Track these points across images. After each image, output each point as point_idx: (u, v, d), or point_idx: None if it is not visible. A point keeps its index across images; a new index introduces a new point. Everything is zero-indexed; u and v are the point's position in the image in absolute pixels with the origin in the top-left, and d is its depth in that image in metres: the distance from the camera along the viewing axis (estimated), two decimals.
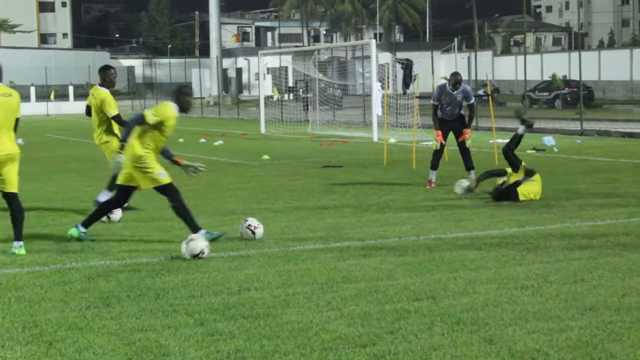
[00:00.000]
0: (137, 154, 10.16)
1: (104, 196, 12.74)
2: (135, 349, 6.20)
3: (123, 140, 10.20)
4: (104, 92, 12.90)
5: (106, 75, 13.04)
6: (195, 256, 9.20)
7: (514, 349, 6.05)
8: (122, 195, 10.58)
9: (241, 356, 6.01)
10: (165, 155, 10.55)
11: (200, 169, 10.82)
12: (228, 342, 6.33)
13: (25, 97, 66.77)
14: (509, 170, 13.91)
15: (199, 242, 9.27)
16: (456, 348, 6.10)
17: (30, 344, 6.37)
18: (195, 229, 10.16)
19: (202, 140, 30.69)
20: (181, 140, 30.18)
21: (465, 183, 14.50)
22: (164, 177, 10.26)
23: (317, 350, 6.09)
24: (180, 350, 6.15)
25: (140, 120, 10.13)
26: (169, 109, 10.23)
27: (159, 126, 10.16)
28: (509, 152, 13.96)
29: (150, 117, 10.09)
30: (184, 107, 10.34)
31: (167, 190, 10.32)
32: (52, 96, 63.81)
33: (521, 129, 14.25)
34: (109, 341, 6.39)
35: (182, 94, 10.40)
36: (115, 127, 12.92)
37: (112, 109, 12.80)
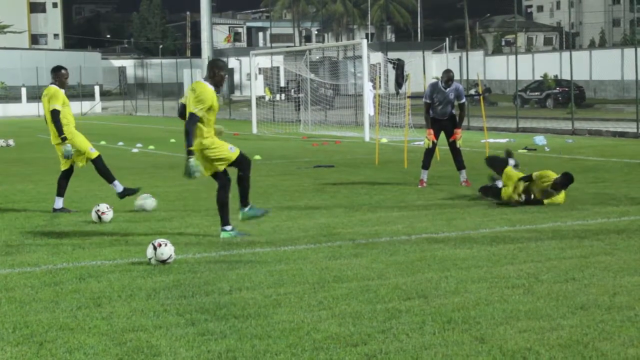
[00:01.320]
0: (204, 144, 10.37)
1: (59, 203, 13.07)
2: (127, 349, 6.19)
3: (189, 146, 10.22)
4: (54, 88, 12.98)
5: (57, 76, 13.11)
6: (163, 262, 9.03)
7: (505, 348, 6.05)
8: (224, 179, 10.84)
9: (232, 356, 6.00)
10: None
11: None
12: (219, 342, 6.32)
13: (16, 98, 66.85)
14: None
15: (167, 248, 9.08)
16: (447, 347, 6.11)
17: (21, 344, 6.36)
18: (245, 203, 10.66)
19: None
20: (173, 140, 30.16)
21: (147, 204, 12.92)
22: (234, 151, 10.57)
23: (309, 350, 6.09)
24: (171, 350, 6.14)
25: (195, 120, 10.20)
26: (207, 90, 10.31)
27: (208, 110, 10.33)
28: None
29: (199, 111, 10.21)
30: (216, 82, 10.40)
31: (237, 161, 10.66)
32: None
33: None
34: (100, 341, 6.38)
35: (214, 67, 10.44)
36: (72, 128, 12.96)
37: (55, 103, 12.83)
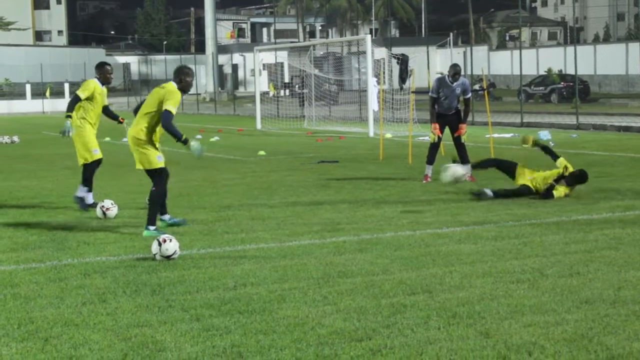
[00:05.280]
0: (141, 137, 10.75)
1: (81, 192, 12.94)
2: (131, 344, 6.20)
3: (181, 136, 10.58)
4: (91, 82, 13.12)
5: (101, 72, 13.12)
6: (168, 257, 9.05)
7: (510, 343, 6.05)
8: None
9: (237, 351, 6.01)
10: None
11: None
12: (224, 337, 6.32)
13: (20, 95, 66.92)
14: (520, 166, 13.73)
15: (172, 244, 9.11)
16: (452, 342, 6.11)
17: (26, 340, 6.37)
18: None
19: (198, 136, 30.63)
20: None
21: (458, 171, 13.45)
22: (160, 161, 10.77)
23: (314, 345, 6.09)
24: (176, 345, 6.15)
25: (171, 117, 10.55)
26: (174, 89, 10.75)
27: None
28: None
29: (174, 109, 10.58)
30: (183, 87, 10.77)
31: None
32: (47, 93, 63.75)
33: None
34: (105, 337, 6.38)
35: (181, 73, 10.83)
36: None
37: (80, 92, 12.94)
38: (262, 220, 11.61)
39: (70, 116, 12.85)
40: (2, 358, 6.01)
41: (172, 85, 10.69)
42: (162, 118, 10.49)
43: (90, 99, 12.88)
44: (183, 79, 10.72)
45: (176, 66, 11.28)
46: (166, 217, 11.15)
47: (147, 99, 10.91)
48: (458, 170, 13.29)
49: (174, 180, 16.27)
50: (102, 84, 13.03)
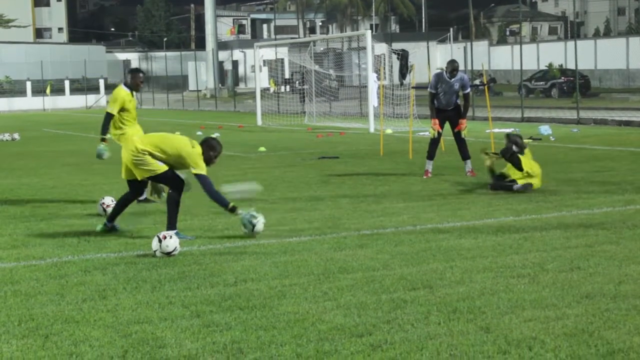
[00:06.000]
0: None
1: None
2: (132, 341, 6.20)
3: (227, 205, 10.08)
4: (118, 90, 13.01)
5: (132, 78, 13.02)
6: (168, 254, 9.04)
7: (510, 337, 6.05)
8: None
9: (237, 347, 6.01)
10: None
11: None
12: (224, 333, 6.32)
13: (21, 92, 66.85)
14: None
15: (172, 240, 9.09)
16: (452, 337, 6.10)
17: (27, 337, 6.37)
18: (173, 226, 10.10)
19: (199, 132, 30.64)
20: (178, 133, 30.14)
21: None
22: (162, 164, 10.22)
23: (314, 341, 6.09)
24: (176, 342, 6.15)
25: (207, 178, 10.04)
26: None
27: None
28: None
29: (204, 171, 10.06)
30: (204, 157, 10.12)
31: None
32: (48, 91, 63.73)
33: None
34: (105, 334, 6.38)
35: (204, 143, 10.21)
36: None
37: (111, 106, 12.90)
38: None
39: (104, 139, 12.81)
40: (3, 355, 6.01)
41: (200, 149, 10.09)
42: (203, 186, 9.97)
43: (122, 110, 12.84)
44: (205, 150, 10.08)
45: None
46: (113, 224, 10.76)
47: (170, 138, 10.35)
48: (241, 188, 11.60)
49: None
50: (131, 90, 12.93)
